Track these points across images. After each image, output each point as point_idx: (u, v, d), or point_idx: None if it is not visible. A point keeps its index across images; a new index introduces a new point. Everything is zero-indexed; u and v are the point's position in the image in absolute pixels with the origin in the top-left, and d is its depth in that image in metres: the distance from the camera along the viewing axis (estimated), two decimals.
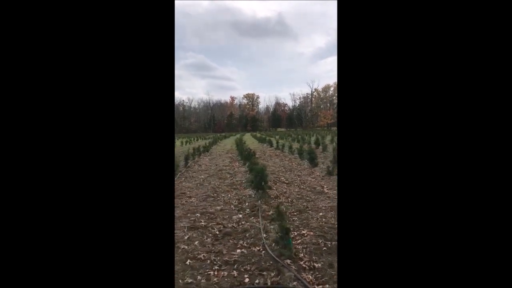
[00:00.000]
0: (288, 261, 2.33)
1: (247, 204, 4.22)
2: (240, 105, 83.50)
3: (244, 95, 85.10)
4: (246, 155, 8.29)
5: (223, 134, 44.25)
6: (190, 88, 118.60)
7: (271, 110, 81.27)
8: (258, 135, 31.37)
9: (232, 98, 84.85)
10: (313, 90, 77.63)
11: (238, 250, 2.60)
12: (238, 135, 32.87)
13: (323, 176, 6.20)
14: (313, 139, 18.08)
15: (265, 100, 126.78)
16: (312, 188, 5.13)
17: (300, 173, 6.75)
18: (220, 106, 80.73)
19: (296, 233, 2.95)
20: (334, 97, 71.10)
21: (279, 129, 70.88)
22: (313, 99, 77.70)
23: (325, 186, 5.21)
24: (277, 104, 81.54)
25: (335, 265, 2.23)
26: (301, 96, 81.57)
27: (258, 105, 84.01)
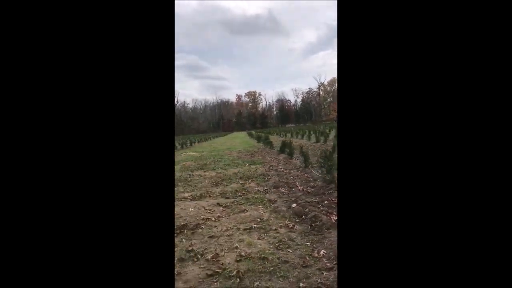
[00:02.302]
0: None
1: None
2: (241, 103, 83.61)
3: (245, 93, 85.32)
4: None
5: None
6: (184, 89, 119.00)
7: (275, 106, 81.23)
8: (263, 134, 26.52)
9: (239, 97, 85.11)
10: (320, 84, 77.39)
11: None
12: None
13: None
14: None
15: (266, 98, 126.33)
16: None
17: None
18: (224, 106, 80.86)
19: None
20: None
21: (287, 125, 70.80)
22: (320, 93, 77.42)
23: None
24: (280, 100, 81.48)
25: None
26: (304, 91, 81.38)
27: (260, 102, 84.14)
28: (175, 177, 6.32)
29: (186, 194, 4.66)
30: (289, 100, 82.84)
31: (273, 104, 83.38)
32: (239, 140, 23.07)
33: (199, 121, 76.39)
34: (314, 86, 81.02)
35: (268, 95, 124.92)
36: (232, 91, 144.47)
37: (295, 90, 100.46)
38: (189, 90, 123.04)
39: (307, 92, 79.84)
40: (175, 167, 7.97)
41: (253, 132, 34.94)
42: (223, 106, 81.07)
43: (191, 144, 19.92)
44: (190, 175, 6.44)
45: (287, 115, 76.23)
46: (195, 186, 5.29)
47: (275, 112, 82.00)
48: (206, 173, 6.53)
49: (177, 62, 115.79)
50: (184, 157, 10.83)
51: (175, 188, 5.17)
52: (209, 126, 74.72)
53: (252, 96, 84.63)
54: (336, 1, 1.02)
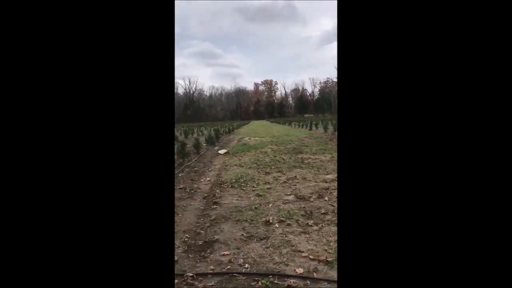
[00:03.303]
0: None
1: None
2: (259, 92, 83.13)
3: (261, 82, 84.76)
4: None
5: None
6: (196, 77, 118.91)
7: (291, 96, 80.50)
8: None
9: (257, 85, 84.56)
10: None
11: None
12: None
13: None
14: None
15: (284, 87, 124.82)
16: None
17: None
18: (241, 94, 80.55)
19: None
20: None
21: (306, 115, 70.20)
22: None
23: None
24: (297, 89, 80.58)
25: None
26: (322, 81, 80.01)
27: (277, 91, 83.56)
28: (284, 159, 6.27)
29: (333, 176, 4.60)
30: (306, 89, 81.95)
31: (289, 94, 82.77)
32: (279, 127, 22.94)
33: (216, 109, 76.47)
34: (333, 76, 79.30)
35: (285, 84, 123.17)
36: (245, 79, 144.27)
37: (313, 80, 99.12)
38: (202, 78, 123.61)
39: (324, 82, 78.61)
40: (266, 150, 7.92)
41: (282, 120, 34.73)
42: (240, 94, 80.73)
43: (233, 131, 19.95)
44: (301, 158, 6.38)
45: (305, 105, 75.42)
46: (327, 168, 5.22)
47: (290, 102, 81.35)
48: (317, 157, 6.49)
49: (190, 49, 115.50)
50: (254, 142, 10.78)
51: (311, 170, 5.11)
52: (226, 114, 74.76)
53: (269, 84, 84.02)
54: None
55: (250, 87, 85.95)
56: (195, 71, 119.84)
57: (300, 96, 78.48)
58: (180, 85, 73.42)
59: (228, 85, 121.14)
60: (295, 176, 4.67)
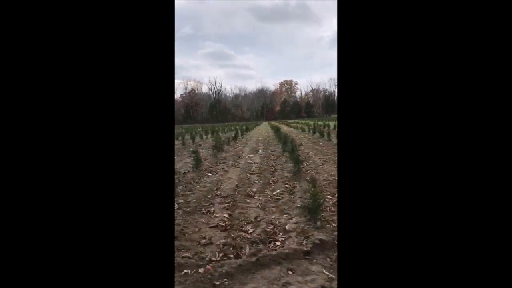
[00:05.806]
0: None
1: None
2: (282, 91, 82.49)
3: (281, 82, 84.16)
4: None
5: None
6: (210, 78, 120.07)
7: (313, 96, 79.02)
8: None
9: (281, 84, 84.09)
10: None
11: None
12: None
13: None
14: None
15: (302, 87, 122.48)
16: None
17: None
18: (264, 94, 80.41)
19: None
20: None
21: (333, 115, 68.66)
22: None
23: None
24: (316, 90, 79.10)
25: None
26: None
27: (297, 91, 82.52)
28: None
29: None
30: (326, 89, 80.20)
31: (308, 93, 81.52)
32: None
33: (242, 109, 76.92)
34: None
35: (304, 84, 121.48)
36: (258, 80, 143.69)
37: (333, 80, 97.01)
38: (215, 79, 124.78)
39: None
40: None
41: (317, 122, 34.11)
42: (264, 94, 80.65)
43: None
44: None
45: (332, 105, 73.81)
46: None
47: (310, 101, 79.93)
48: None
49: (203, 51, 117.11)
50: None
51: None
52: (252, 114, 74.96)
53: (288, 84, 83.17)
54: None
55: (265, 87, 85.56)
56: (209, 72, 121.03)
57: (327, 96, 76.97)
58: (205, 84, 74.51)
59: (249, 86, 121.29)
60: None
